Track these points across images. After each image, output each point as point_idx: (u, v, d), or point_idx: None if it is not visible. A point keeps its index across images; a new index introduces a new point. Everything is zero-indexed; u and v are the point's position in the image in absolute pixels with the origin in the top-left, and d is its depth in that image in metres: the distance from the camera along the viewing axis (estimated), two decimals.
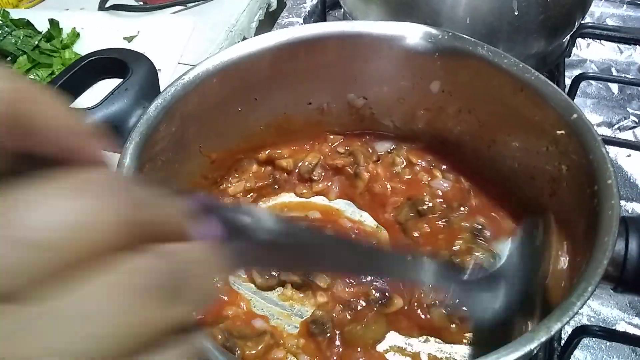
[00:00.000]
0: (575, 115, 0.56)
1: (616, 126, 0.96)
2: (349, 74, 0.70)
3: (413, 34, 0.65)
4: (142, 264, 0.21)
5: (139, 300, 0.21)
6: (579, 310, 0.42)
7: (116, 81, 0.62)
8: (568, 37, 0.96)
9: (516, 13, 0.79)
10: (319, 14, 1.13)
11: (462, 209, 0.68)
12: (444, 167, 0.73)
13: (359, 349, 0.59)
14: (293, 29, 0.67)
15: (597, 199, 0.50)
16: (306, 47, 0.67)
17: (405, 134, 0.74)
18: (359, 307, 0.61)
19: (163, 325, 0.22)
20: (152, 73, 0.63)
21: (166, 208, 0.23)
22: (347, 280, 0.62)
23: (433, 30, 0.65)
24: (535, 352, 0.53)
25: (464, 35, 0.64)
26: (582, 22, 1.01)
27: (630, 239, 0.49)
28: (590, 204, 0.51)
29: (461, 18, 0.81)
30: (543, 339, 0.40)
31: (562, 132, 0.57)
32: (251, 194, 0.73)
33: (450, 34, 0.65)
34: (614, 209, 0.48)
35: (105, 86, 0.63)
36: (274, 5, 1.26)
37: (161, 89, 0.60)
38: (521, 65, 0.61)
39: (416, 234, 0.67)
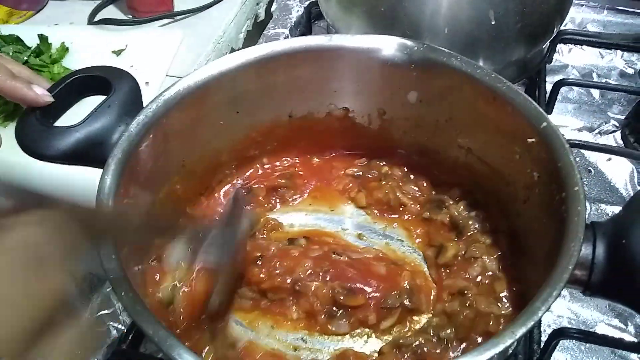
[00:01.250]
0: (544, 124, 0.57)
1: (597, 130, 0.97)
2: (329, 86, 0.72)
3: (388, 46, 0.67)
4: None
5: None
6: (553, 305, 0.43)
7: (100, 98, 0.64)
8: (548, 43, 0.98)
9: (493, 22, 0.81)
10: (305, 25, 1.14)
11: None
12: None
13: None
14: (273, 44, 0.68)
15: (564, 205, 0.51)
16: (286, 60, 0.69)
17: (383, 145, 0.76)
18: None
19: None
20: (134, 89, 0.64)
21: None
22: None
23: (408, 42, 0.67)
24: (509, 353, 0.55)
25: (438, 47, 0.66)
26: (563, 28, 1.03)
27: (597, 244, 0.50)
28: (559, 210, 0.52)
29: (440, 28, 0.83)
30: (508, 343, 0.42)
31: (533, 139, 0.59)
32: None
33: (425, 45, 0.66)
34: (580, 215, 0.49)
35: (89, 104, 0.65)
36: (262, 16, 1.27)
37: (148, 102, 0.62)
38: (493, 75, 0.62)
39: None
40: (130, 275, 0.48)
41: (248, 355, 0.60)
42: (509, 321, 0.58)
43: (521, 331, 0.42)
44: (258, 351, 0.61)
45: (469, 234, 0.69)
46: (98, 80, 0.64)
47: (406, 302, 0.62)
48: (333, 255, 0.66)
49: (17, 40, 1.03)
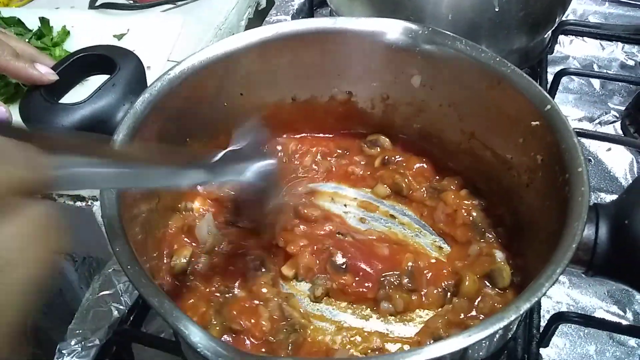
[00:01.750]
0: (549, 107, 0.58)
1: (597, 121, 0.98)
2: (333, 70, 0.72)
3: (393, 29, 0.67)
4: None
5: None
6: (552, 291, 0.44)
7: (104, 77, 0.63)
8: (549, 33, 0.98)
9: (497, 9, 0.81)
10: (307, 12, 1.14)
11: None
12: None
13: None
14: (277, 26, 0.68)
15: (568, 187, 0.52)
16: (290, 43, 0.69)
17: (387, 130, 0.76)
18: None
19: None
20: (139, 69, 0.64)
21: None
22: None
23: (413, 26, 0.67)
24: (512, 329, 0.55)
25: (443, 31, 0.66)
26: (565, 19, 1.03)
27: (600, 225, 0.51)
28: (562, 192, 0.52)
29: (444, 15, 0.83)
30: (512, 318, 0.42)
31: (537, 122, 0.59)
32: None
33: (430, 29, 0.66)
34: (584, 196, 0.50)
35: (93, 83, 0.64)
36: (264, 3, 1.27)
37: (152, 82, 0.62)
38: (498, 59, 0.62)
39: None
40: (137, 247, 0.48)
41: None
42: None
43: (525, 306, 0.42)
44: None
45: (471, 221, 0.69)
46: (103, 59, 0.64)
47: (406, 281, 0.63)
48: (338, 235, 0.67)
49: (18, 22, 1.02)
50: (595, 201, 0.85)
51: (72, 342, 0.65)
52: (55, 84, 0.62)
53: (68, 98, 0.63)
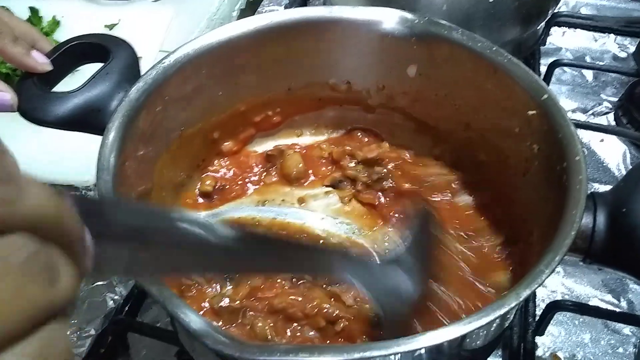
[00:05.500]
0: (545, 96, 0.58)
1: (590, 112, 0.98)
2: (328, 59, 0.71)
3: (389, 18, 0.67)
4: (13, 240, 0.22)
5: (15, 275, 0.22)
6: (547, 281, 0.44)
7: (98, 66, 0.63)
8: (543, 25, 0.98)
9: (491, 0, 0.81)
10: (300, 2, 1.14)
11: None
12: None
13: None
14: (272, 14, 0.68)
15: (566, 175, 0.52)
16: (285, 32, 0.68)
17: (383, 120, 0.76)
18: None
19: (42, 302, 0.23)
20: (132, 57, 0.63)
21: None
22: None
23: (409, 15, 0.66)
24: (509, 317, 0.55)
25: (439, 20, 0.66)
26: (557, 10, 1.04)
27: (597, 213, 0.51)
28: (559, 181, 0.52)
29: (438, 5, 0.83)
30: (513, 304, 0.42)
31: (534, 112, 0.59)
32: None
33: (426, 18, 0.66)
34: (582, 184, 0.50)
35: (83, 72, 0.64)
36: None
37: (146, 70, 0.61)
38: (494, 48, 0.62)
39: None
40: None
41: None
42: None
43: (525, 293, 0.42)
44: None
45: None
46: (96, 47, 0.63)
47: None
48: None
49: (6, 11, 1.01)
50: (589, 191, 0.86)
51: (68, 333, 0.64)
52: (48, 72, 0.61)
53: (61, 87, 0.63)
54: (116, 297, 0.67)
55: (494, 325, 0.52)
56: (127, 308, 0.67)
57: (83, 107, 0.59)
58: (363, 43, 0.69)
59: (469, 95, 0.68)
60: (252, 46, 0.67)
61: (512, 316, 0.59)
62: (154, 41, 1.02)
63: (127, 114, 0.57)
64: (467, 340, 0.49)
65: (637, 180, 0.53)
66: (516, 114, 0.61)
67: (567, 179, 0.51)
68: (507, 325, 0.58)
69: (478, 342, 0.52)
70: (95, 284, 0.69)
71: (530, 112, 0.59)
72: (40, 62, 0.60)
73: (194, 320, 0.41)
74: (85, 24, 1.04)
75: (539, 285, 0.43)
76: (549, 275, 0.44)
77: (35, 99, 0.58)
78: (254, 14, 1.10)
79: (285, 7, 1.10)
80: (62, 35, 1.02)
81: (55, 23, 1.03)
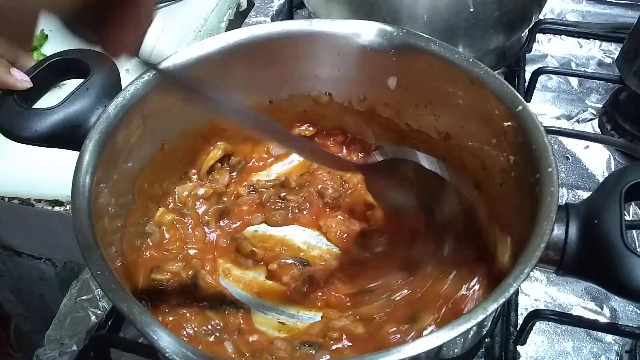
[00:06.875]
0: (520, 107, 0.58)
1: (575, 119, 0.99)
2: (309, 72, 0.72)
3: (368, 31, 0.67)
4: None
5: None
6: (530, 289, 0.44)
7: (79, 81, 0.63)
8: (527, 32, 0.99)
9: (472, 10, 0.82)
10: (286, 13, 1.14)
11: None
12: None
13: None
14: (253, 28, 0.69)
15: (538, 187, 0.52)
16: (266, 45, 0.69)
17: (363, 131, 0.76)
18: None
19: None
20: (113, 72, 0.64)
21: None
22: None
23: (388, 28, 0.67)
24: (484, 328, 0.56)
25: (418, 32, 0.66)
26: (542, 17, 1.04)
27: (570, 225, 0.51)
28: (532, 192, 0.53)
29: (419, 16, 0.83)
30: (480, 319, 0.42)
31: (509, 123, 0.59)
32: None
33: (405, 30, 0.67)
34: (553, 196, 0.50)
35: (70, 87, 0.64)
36: (244, 5, 1.27)
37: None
38: (471, 60, 0.63)
39: None
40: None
41: None
42: None
43: (492, 307, 0.43)
44: None
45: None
46: (77, 63, 0.64)
47: None
48: None
49: None
50: (573, 199, 0.87)
51: (50, 348, 0.65)
52: (28, 89, 0.61)
53: (43, 102, 0.63)
54: (99, 312, 0.68)
55: (470, 335, 0.53)
56: (109, 323, 0.68)
57: (62, 123, 0.59)
58: (343, 56, 0.70)
59: (448, 106, 0.68)
60: (232, 60, 0.68)
61: (489, 325, 0.59)
62: (141, 54, 1.02)
63: (105, 130, 0.57)
64: (445, 349, 0.49)
65: (610, 191, 0.53)
66: (493, 125, 0.62)
67: (539, 190, 0.52)
68: (484, 333, 0.58)
69: (456, 351, 0.53)
70: (79, 298, 0.69)
71: (506, 124, 0.59)
72: (20, 79, 0.61)
73: (162, 337, 0.41)
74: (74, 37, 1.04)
75: (507, 299, 0.44)
76: (517, 287, 0.44)
77: (14, 116, 0.59)
78: (241, 25, 1.12)
79: (272, 18, 1.11)
80: (50, 49, 1.02)
81: (44, 37, 1.04)
